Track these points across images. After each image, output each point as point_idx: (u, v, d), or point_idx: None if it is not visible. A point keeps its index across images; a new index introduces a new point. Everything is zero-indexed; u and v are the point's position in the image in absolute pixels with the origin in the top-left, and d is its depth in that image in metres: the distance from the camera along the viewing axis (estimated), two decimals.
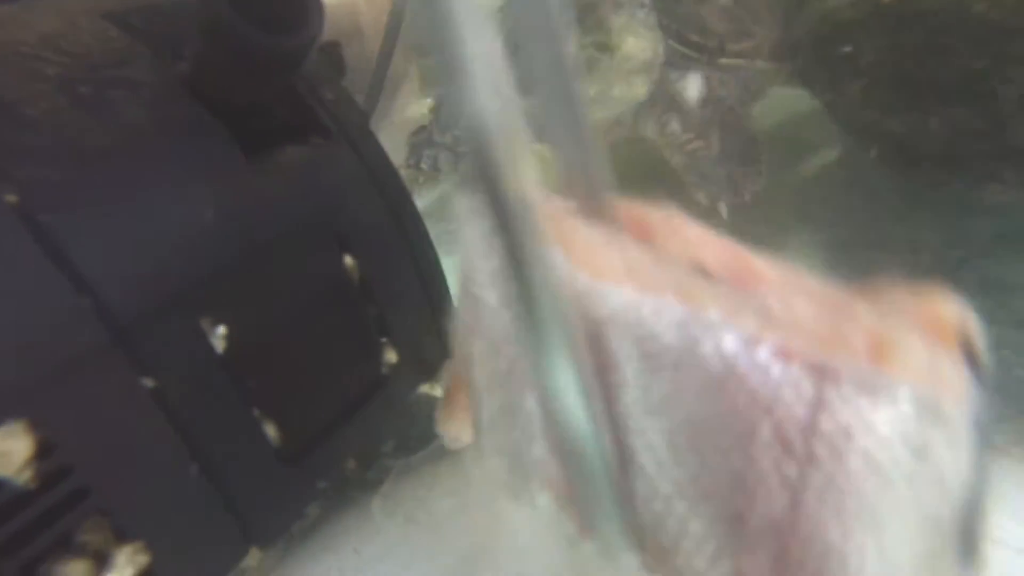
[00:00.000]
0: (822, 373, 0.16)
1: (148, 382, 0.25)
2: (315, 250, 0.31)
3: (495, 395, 0.22)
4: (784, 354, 0.16)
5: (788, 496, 0.17)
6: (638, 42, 0.48)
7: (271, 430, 0.29)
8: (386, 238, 0.34)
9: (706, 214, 0.50)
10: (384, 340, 0.34)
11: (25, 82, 0.25)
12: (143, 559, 0.25)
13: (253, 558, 0.29)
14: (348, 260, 0.32)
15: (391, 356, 0.34)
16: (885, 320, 0.17)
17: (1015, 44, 0.35)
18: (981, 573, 0.18)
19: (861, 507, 0.16)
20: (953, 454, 0.16)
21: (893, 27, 0.40)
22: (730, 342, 0.17)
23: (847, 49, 0.41)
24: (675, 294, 0.17)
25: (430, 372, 0.36)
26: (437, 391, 0.37)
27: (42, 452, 0.22)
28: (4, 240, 0.22)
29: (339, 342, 0.32)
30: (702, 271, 0.20)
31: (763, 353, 0.16)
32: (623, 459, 0.19)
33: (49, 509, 0.23)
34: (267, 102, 0.31)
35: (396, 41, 0.63)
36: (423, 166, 0.61)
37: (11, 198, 0.23)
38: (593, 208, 0.21)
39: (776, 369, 0.16)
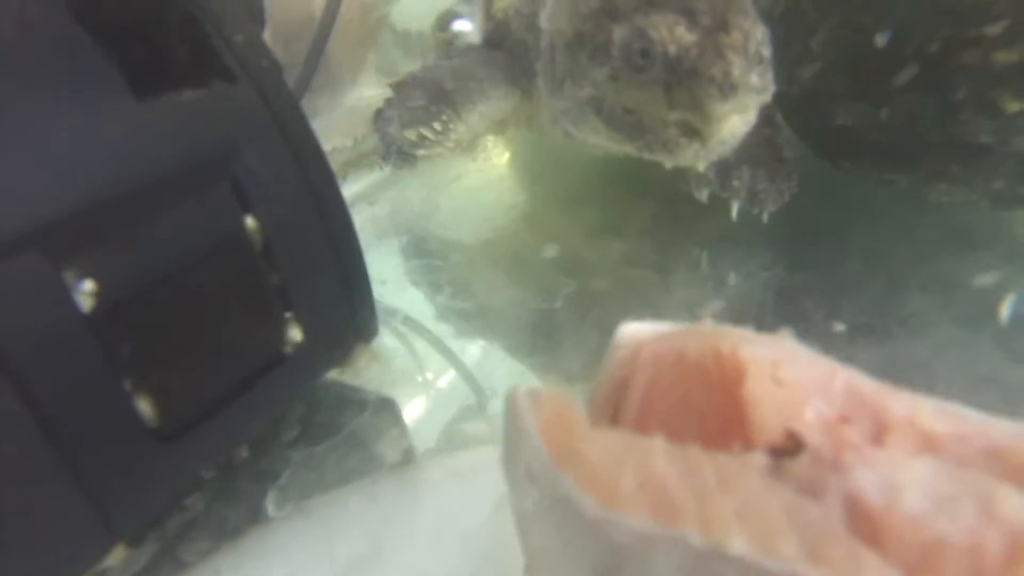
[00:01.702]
0: None
1: None
2: (209, 203, 0.27)
3: None
4: None
5: None
6: (743, 117, 0.35)
7: (145, 406, 0.25)
8: (295, 201, 0.30)
9: (705, 213, 0.46)
10: (288, 315, 0.30)
11: None
12: None
13: (117, 556, 0.25)
14: (250, 221, 0.28)
15: (296, 334, 0.30)
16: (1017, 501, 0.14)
17: (970, 27, 0.33)
18: None
19: None
20: None
21: (848, 5, 0.38)
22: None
23: (800, 28, 0.40)
24: (696, 523, 0.14)
25: (341, 356, 0.33)
26: (348, 377, 0.33)
27: None
28: None
29: (234, 311, 0.28)
30: (790, 444, 0.17)
31: None
32: None
33: None
34: (162, 34, 0.27)
35: (335, 18, 0.60)
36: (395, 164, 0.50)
37: None
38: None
39: None
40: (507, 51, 0.49)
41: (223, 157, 0.27)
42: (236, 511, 0.29)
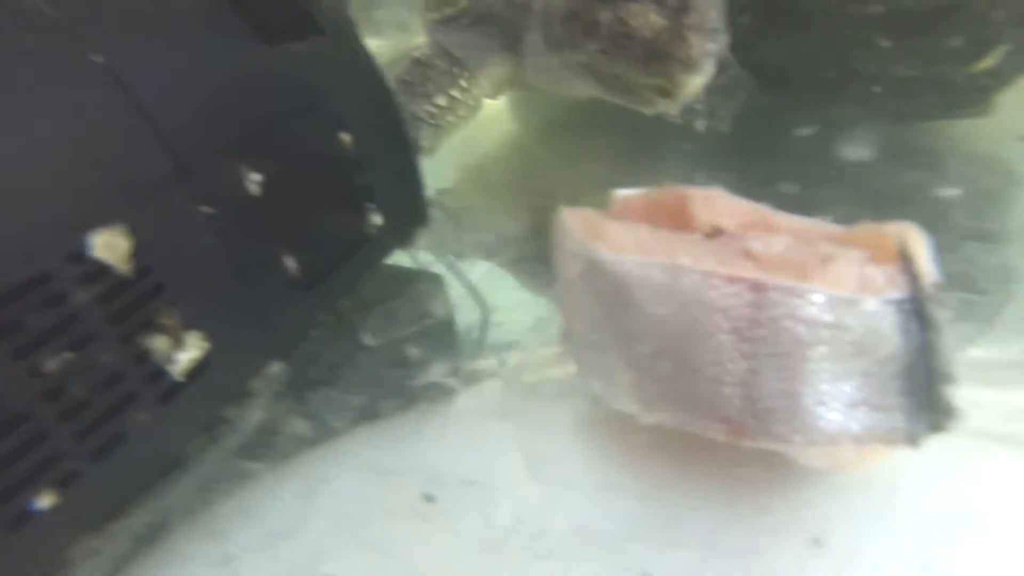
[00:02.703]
0: (757, 287, 0.26)
1: (206, 209, 0.32)
2: (319, 125, 0.38)
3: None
4: (730, 279, 0.26)
5: (746, 363, 0.27)
6: (704, 76, 0.44)
7: (290, 263, 0.36)
8: (374, 123, 0.41)
9: (679, 133, 0.56)
10: (371, 206, 0.42)
11: None
12: (205, 345, 0.32)
13: (276, 368, 0.37)
14: (344, 137, 0.40)
15: (376, 219, 0.42)
16: (839, 249, 0.27)
17: None
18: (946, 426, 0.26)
19: (795, 362, 0.26)
20: (867, 327, 0.26)
21: None
22: (694, 277, 0.26)
23: None
24: (663, 254, 0.27)
25: (406, 237, 0.45)
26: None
27: (136, 253, 0.29)
28: (101, 97, 0.29)
29: (338, 202, 0.40)
30: (716, 231, 0.30)
31: (716, 281, 0.26)
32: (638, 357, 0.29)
33: (139, 296, 0.30)
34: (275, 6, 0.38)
35: None
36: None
37: (97, 58, 0.30)
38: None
39: (725, 289, 0.26)
40: (494, 25, 0.57)
41: (327, 92, 0.39)
42: (342, 342, 0.41)
